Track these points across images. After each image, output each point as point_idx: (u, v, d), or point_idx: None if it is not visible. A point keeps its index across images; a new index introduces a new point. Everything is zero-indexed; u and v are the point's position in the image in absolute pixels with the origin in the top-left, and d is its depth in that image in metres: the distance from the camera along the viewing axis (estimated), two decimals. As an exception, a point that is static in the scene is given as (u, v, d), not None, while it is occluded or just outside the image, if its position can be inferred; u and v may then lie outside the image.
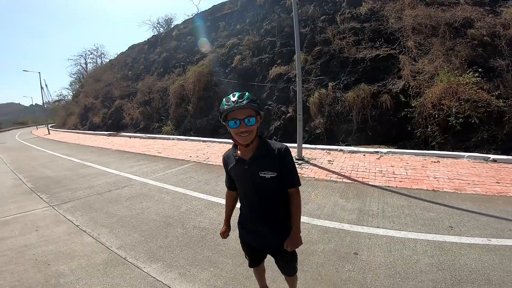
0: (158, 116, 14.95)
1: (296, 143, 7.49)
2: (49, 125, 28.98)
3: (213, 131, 10.92)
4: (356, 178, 4.64)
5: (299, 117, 5.73)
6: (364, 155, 6.03)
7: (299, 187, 1.48)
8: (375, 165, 5.26)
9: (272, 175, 1.38)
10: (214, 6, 20.25)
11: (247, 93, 1.34)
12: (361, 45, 8.95)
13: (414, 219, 3.12)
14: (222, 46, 14.48)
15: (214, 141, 9.30)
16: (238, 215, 1.64)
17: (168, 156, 7.76)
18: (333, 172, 5.02)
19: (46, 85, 39.42)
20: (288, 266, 1.65)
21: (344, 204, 3.66)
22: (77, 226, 3.53)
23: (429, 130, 6.42)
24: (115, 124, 18.37)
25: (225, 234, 1.72)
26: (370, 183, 4.41)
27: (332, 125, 7.76)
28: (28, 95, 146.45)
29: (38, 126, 39.35)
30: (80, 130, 22.52)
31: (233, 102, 1.30)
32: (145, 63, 21.84)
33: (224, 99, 1.35)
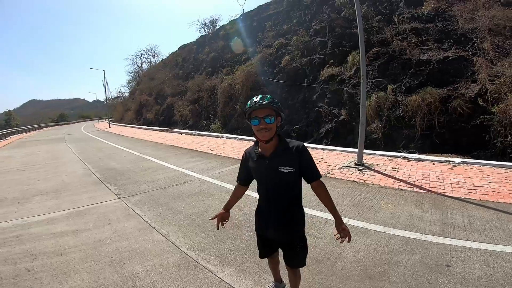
0: (206, 114, 15.54)
1: (349, 147, 7.23)
2: (110, 120, 31.91)
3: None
4: (429, 188, 4.29)
5: (361, 120, 5.45)
6: (433, 164, 5.52)
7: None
8: (449, 176, 4.79)
9: (290, 170, 1.52)
10: (259, 6, 20.44)
11: (268, 96, 1.52)
12: (426, 46, 8.24)
13: (508, 234, 2.87)
14: (270, 46, 14.49)
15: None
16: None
17: (220, 154, 7.98)
18: (401, 180, 4.69)
19: (107, 83, 43.41)
20: (299, 256, 1.74)
21: (421, 215, 3.43)
22: (146, 221, 3.66)
23: (508, 139, 5.66)
24: (166, 121, 19.56)
25: (222, 217, 1.80)
26: (447, 194, 4.06)
27: (391, 130, 7.26)
28: (92, 92, 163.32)
29: (99, 120, 43.69)
30: (135, 124, 24.43)
31: (256, 102, 1.49)
32: (194, 62, 22.85)
33: (249, 101, 1.53)
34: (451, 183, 4.46)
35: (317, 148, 7.54)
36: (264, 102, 1.48)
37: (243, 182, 1.82)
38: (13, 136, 23.69)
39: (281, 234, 1.66)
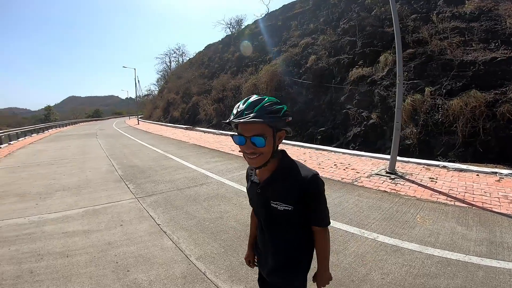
0: (230, 114, 15.51)
1: (379, 153, 6.69)
2: (139, 116, 33.19)
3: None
4: (473, 203, 3.76)
5: (396, 125, 4.96)
6: (477, 175, 4.89)
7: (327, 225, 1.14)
8: (496, 189, 4.19)
9: (286, 208, 1.04)
10: (284, 5, 20.20)
11: (265, 99, 0.98)
12: (470, 47, 7.47)
13: None
14: (295, 45, 14.17)
15: (288, 143, 8.98)
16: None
17: (241, 155, 7.76)
18: (440, 192, 4.16)
19: (138, 81, 45.38)
20: None
21: (465, 233, 2.98)
22: (158, 225, 3.54)
23: None
24: (191, 119, 19.85)
25: (250, 260, 1.44)
26: (494, 209, 3.53)
27: (428, 136, 6.61)
28: (124, 89, 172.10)
29: (130, 117, 45.68)
30: (162, 122, 25.12)
31: (239, 111, 0.96)
32: (219, 61, 23.07)
33: (236, 105, 1.01)
34: (498, 198, 3.88)
35: (343, 153, 7.07)
36: (250, 116, 0.93)
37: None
38: (51, 130, 25.36)
39: (271, 278, 1.23)
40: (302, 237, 1.14)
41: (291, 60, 13.18)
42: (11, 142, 14.89)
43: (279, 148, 1.08)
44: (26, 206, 4.42)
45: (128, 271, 2.56)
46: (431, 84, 7.31)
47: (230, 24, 28.85)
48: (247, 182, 1.24)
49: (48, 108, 59.73)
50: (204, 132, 14.66)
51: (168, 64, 46.95)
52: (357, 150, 7.44)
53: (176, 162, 7.36)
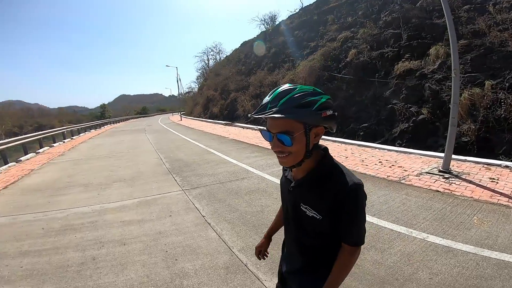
0: (265, 108, 15.64)
1: (431, 150, 6.23)
2: (181, 113, 34.95)
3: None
4: (541, 208, 3.36)
5: (452, 121, 4.60)
6: (546, 177, 4.35)
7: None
8: None
9: (314, 216, 0.91)
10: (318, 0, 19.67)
11: (295, 89, 0.83)
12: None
13: None
14: (333, 40, 13.75)
15: (328, 139, 8.79)
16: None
17: (281, 151, 7.83)
18: (502, 194, 3.77)
19: (180, 79, 47.66)
20: None
21: None
22: (203, 216, 3.72)
23: None
24: (230, 115, 20.36)
25: (261, 249, 1.35)
26: None
27: (488, 133, 5.98)
28: (168, 87, 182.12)
29: (173, 113, 48.30)
30: (202, 118, 26.17)
31: (263, 104, 0.84)
32: (256, 58, 23.29)
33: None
34: None
35: (389, 150, 6.71)
36: (274, 110, 0.80)
37: None
38: (106, 126, 27.98)
39: (289, 278, 1.14)
40: (329, 245, 0.97)
41: (330, 54, 12.80)
42: (74, 137, 16.78)
43: (321, 144, 0.96)
44: (89, 196, 4.93)
45: (176, 260, 2.72)
46: (491, 77, 6.57)
47: (264, 20, 28.85)
48: (282, 174, 1.15)
49: (103, 106, 65.99)
50: (243, 127, 14.98)
51: (206, 62, 48.41)
52: (404, 147, 7.02)
53: (217, 156, 7.67)
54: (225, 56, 40.01)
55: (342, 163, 0.96)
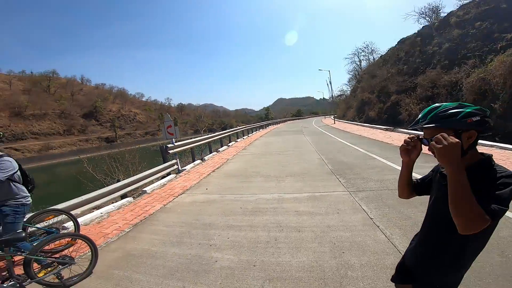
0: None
1: None
2: (334, 116, 35.51)
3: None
4: None
5: None
6: None
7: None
8: None
9: None
10: None
11: (439, 107, 1.10)
12: None
13: None
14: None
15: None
16: None
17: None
18: None
19: (330, 82, 47.76)
20: None
21: None
22: (371, 218, 3.80)
23: None
24: (390, 119, 18.83)
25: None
26: None
27: None
28: (320, 91, 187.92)
29: (325, 116, 49.61)
30: (357, 122, 25.54)
31: (415, 120, 1.17)
32: (421, 56, 20.09)
33: None
34: None
35: None
36: (424, 123, 1.13)
37: (417, 185, 1.39)
38: (271, 126, 32.77)
39: (419, 277, 1.31)
40: (471, 242, 1.09)
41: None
42: (249, 135, 20.91)
43: (485, 153, 1.11)
44: (269, 186, 5.95)
45: (343, 252, 2.96)
46: None
47: (424, 13, 24.19)
48: (434, 172, 1.31)
49: (267, 109, 77.43)
50: (410, 134, 13.54)
51: (358, 63, 46.06)
52: None
53: (381, 162, 7.52)
54: (379, 56, 36.87)
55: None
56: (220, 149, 12.80)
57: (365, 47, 44.99)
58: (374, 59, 40.58)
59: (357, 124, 23.49)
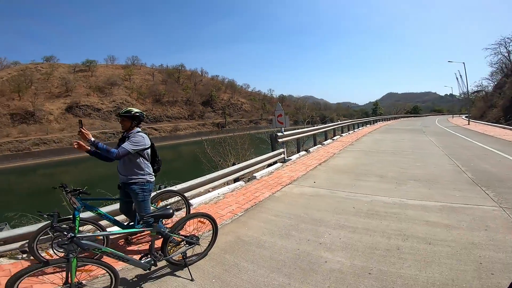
0: None
1: None
2: (468, 116, 28.98)
3: None
4: None
5: None
6: None
7: None
8: None
9: None
10: None
11: None
12: None
13: None
14: None
15: None
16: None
17: None
18: None
19: (460, 76, 38.46)
20: None
21: None
22: None
23: None
24: None
25: None
26: None
27: None
28: (448, 85, 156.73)
29: (453, 115, 41.13)
30: (503, 124, 19.90)
31: None
32: None
33: None
34: None
35: None
36: None
37: None
38: (380, 122, 29.54)
39: None
40: None
41: None
42: (355, 130, 19.39)
43: None
44: (387, 188, 5.32)
45: (492, 274, 2.50)
46: None
47: None
48: None
49: (376, 104, 70.27)
50: None
51: (506, 54, 35.16)
52: None
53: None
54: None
55: None
56: (325, 142, 12.41)
57: (514, 36, 34.08)
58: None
59: (503, 128, 18.23)
